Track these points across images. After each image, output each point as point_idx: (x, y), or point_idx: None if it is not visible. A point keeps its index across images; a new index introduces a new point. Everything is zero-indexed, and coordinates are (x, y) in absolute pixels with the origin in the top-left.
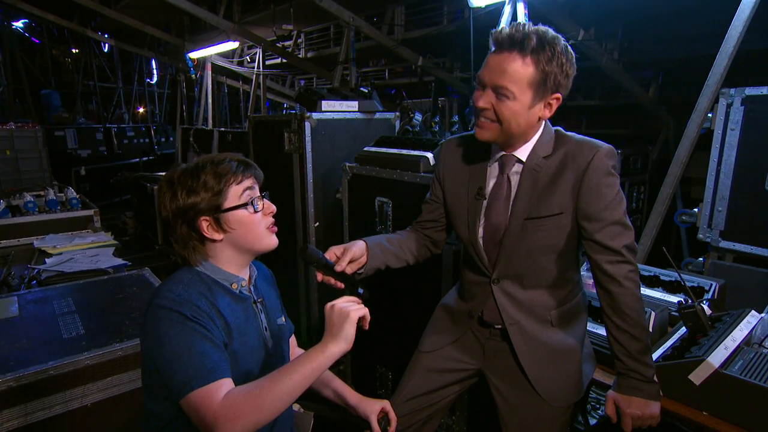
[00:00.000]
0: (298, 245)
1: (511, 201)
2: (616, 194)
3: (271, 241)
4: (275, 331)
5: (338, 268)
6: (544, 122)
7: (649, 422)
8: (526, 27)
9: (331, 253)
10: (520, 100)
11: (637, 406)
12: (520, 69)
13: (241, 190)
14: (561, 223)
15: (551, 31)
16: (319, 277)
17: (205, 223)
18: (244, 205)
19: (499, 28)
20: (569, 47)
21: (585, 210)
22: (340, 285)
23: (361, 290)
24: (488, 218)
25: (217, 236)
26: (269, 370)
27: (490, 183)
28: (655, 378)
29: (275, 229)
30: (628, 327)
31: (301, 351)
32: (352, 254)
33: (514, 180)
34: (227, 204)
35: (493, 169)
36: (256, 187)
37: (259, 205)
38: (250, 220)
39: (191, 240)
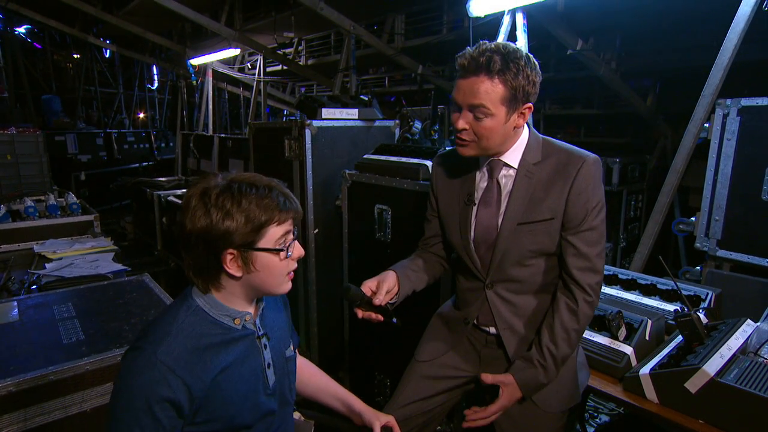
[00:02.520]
0: None
1: (503, 205)
2: (599, 202)
3: (287, 288)
4: (281, 366)
5: (377, 301)
6: (526, 129)
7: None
8: (488, 48)
9: (367, 287)
10: (496, 116)
11: (514, 398)
12: (490, 90)
13: (280, 233)
14: (552, 228)
15: (511, 45)
16: (360, 314)
17: (229, 257)
18: (278, 250)
19: (463, 52)
20: (531, 57)
21: (569, 212)
22: (380, 318)
23: (395, 320)
24: (479, 222)
25: (238, 273)
26: (266, 411)
27: (480, 188)
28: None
29: (293, 275)
30: (572, 330)
31: (304, 360)
32: (387, 286)
33: (503, 183)
34: (262, 244)
35: (483, 175)
36: (294, 229)
37: (292, 251)
38: (277, 265)
39: (207, 268)
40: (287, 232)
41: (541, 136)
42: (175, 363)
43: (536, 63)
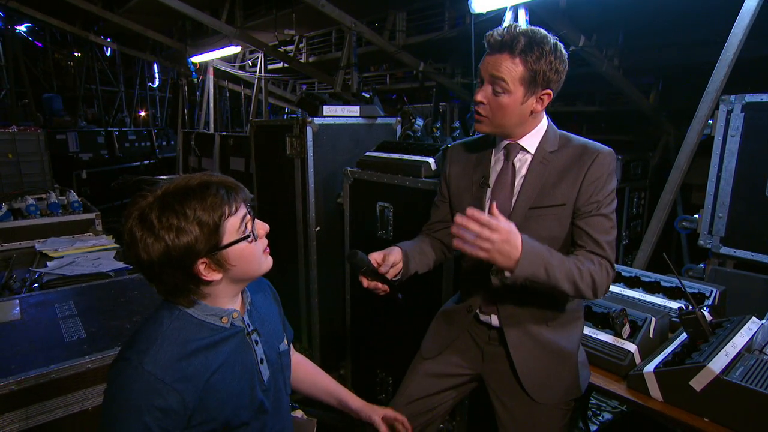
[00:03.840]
0: (298, 249)
1: (516, 188)
2: (611, 192)
3: (268, 265)
4: (274, 361)
5: (382, 270)
6: (546, 119)
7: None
8: (516, 29)
9: (372, 259)
10: (513, 94)
11: (511, 235)
12: (511, 68)
13: (238, 222)
14: (563, 214)
15: (541, 32)
16: (365, 283)
17: (202, 266)
18: (244, 238)
19: (492, 30)
20: (559, 45)
21: (581, 199)
22: (386, 289)
23: (400, 295)
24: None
25: (217, 276)
26: (262, 407)
27: (495, 170)
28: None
29: (269, 250)
30: (587, 271)
31: (300, 357)
32: (393, 259)
33: (519, 167)
34: (226, 240)
35: (498, 158)
36: (249, 211)
37: (258, 231)
38: (250, 251)
39: (185, 285)
40: (244, 216)
41: (559, 130)
42: (163, 372)
43: (564, 53)
